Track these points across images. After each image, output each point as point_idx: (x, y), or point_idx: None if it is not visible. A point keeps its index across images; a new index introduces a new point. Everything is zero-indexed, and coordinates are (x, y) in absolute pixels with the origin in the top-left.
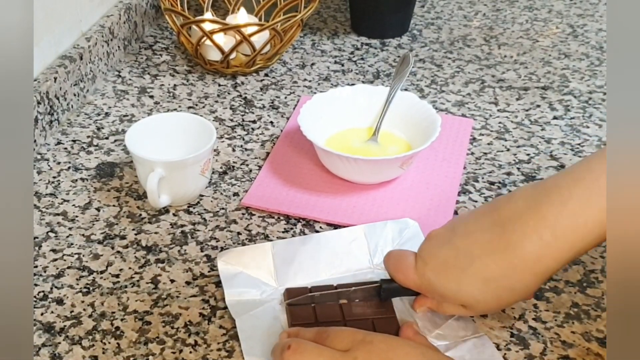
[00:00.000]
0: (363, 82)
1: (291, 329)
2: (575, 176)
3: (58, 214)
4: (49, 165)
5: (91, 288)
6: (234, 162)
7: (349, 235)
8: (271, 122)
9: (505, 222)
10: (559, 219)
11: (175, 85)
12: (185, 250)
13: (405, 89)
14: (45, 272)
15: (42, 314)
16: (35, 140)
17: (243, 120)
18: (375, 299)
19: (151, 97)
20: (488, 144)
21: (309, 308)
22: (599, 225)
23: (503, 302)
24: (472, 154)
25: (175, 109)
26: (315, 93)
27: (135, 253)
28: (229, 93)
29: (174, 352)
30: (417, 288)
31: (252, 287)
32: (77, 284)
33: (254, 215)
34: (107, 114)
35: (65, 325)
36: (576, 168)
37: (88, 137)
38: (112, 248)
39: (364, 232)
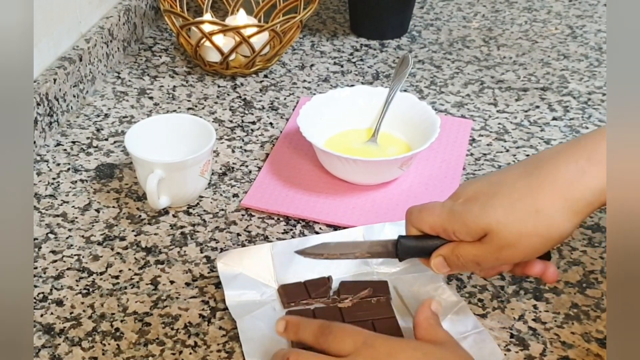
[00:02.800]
0: (362, 83)
1: (290, 317)
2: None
3: (58, 215)
4: (48, 167)
5: (91, 289)
6: (233, 163)
7: (348, 237)
8: (270, 124)
9: (542, 157)
10: (597, 148)
11: (174, 86)
12: (184, 251)
13: (405, 90)
14: (45, 273)
15: (41, 315)
16: (34, 142)
17: (242, 122)
18: (373, 300)
19: (151, 98)
20: (487, 144)
21: (309, 311)
22: None
23: (527, 231)
24: (472, 154)
25: (174, 110)
26: (314, 94)
27: (135, 254)
28: (228, 94)
29: (173, 354)
30: (440, 225)
31: (252, 289)
32: (77, 285)
33: (254, 216)
34: (106, 115)
35: (65, 327)
36: None
37: (87, 138)
38: (112, 249)
39: (362, 234)
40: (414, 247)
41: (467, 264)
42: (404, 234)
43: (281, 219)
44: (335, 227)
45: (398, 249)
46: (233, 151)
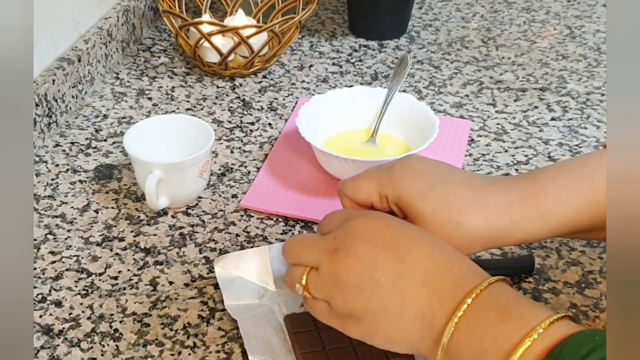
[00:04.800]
0: (361, 83)
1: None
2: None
3: (56, 216)
4: (47, 168)
5: (90, 290)
6: (232, 163)
7: None
8: (269, 124)
9: (489, 179)
10: (529, 186)
11: (173, 87)
12: (183, 252)
13: (404, 91)
14: (43, 274)
15: (40, 316)
16: (33, 143)
17: (241, 122)
18: None
19: (149, 99)
20: (486, 145)
21: (314, 333)
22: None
23: (442, 237)
24: (470, 155)
25: (173, 111)
26: (313, 95)
27: (133, 255)
28: (227, 95)
29: (172, 354)
30: (375, 187)
31: (250, 292)
32: (76, 286)
33: (253, 216)
34: (105, 116)
35: (64, 328)
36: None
37: (86, 139)
38: (111, 250)
39: None
40: None
41: None
42: None
43: (280, 219)
44: None
45: None
46: (232, 152)
